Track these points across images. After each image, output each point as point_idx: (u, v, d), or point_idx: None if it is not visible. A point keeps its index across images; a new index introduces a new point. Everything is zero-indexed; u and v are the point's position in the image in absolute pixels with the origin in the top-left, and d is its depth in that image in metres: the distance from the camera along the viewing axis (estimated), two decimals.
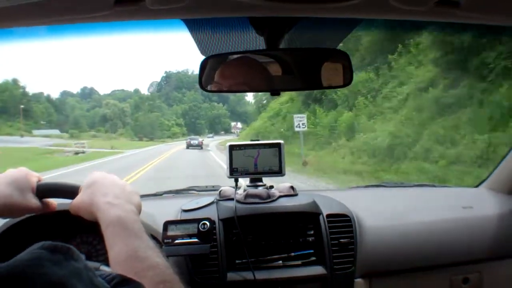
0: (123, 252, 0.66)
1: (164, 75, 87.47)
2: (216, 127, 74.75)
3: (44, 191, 0.82)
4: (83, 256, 1.23)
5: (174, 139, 60.01)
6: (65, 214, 0.91)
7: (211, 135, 52.60)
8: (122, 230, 0.69)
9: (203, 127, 72.86)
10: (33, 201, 0.80)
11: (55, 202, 0.86)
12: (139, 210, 0.77)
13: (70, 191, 0.82)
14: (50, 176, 10.52)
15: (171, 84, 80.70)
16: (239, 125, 72.60)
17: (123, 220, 0.71)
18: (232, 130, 70.16)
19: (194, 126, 71.08)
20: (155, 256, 0.67)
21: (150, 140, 55.21)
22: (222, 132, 69.96)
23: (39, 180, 0.83)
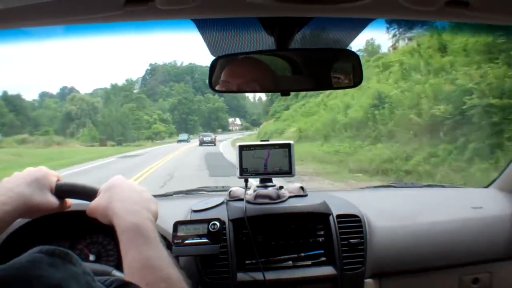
0: (137, 260, 0.69)
1: (149, 68, 79.47)
2: (213, 124, 66.43)
3: (63, 191, 0.88)
4: (92, 256, 1.29)
5: (156, 141, 43.17)
6: (75, 214, 0.96)
7: (185, 135, 40.46)
8: (137, 238, 0.72)
9: (196, 124, 63.62)
10: (53, 201, 0.85)
11: (71, 201, 0.91)
12: (155, 218, 0.80)
13: (88, 193, 0.87)
14: None
15: (157, 77, 77.29)
16: (238, 121, 67.78)
17: (139, 227, 0.74)
18: (230, 127, 65.62)
19: (185, 123, 61.78)
20: (168, 267, 0.70)
21: (117, 145, 36.37)
22: (219, 130, 62.96)
23: (58, 180, 0.88)
